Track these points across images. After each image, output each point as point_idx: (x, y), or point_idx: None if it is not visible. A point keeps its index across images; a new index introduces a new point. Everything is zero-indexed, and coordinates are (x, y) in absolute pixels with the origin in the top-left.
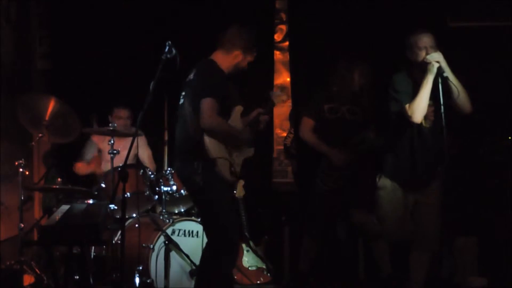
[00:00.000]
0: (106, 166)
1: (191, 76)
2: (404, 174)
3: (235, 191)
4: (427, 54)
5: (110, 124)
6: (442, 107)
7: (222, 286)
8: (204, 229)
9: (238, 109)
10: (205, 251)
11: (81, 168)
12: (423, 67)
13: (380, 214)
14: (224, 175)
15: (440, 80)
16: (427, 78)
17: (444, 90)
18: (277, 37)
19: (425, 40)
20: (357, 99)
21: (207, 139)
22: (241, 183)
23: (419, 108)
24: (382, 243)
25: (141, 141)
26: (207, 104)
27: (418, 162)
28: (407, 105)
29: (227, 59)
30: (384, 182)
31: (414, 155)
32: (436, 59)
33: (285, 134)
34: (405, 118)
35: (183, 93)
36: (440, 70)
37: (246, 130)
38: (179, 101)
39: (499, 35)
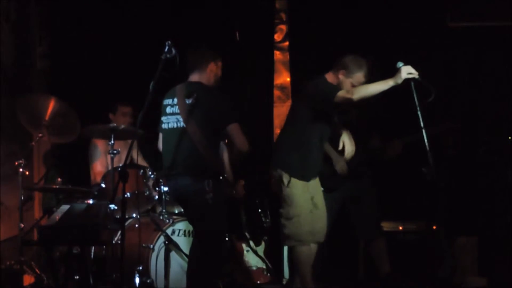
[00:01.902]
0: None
1: (190, 100)
2: (315, 171)
3: (235, 191)
4: (353, 86)
5: (112, 124)
6: (418, 109)
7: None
8: (196, 234)
9: None
10: (195, 256)
11: (100, 172)
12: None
13: (293, 213)
14: (228, 192)
15: (412, 84)
16: (388, 80)
17: (418, 93)
18: (277, 37)
19: (363, 79)
20: (364, 105)
21: (226, 160)
22: (241, 183)
23: (363, 93)
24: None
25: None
26: (238, 130)
27: (320, 157)
28: (342, 91)
29: (207, 76)
30: (295, 182)
31: (322, 153)
32: (401, 68)
33: None
34: (315, 118)
35: (177, 117)
36: (412, 78)
37: None
38: (164, 117)
39: (499, 35)
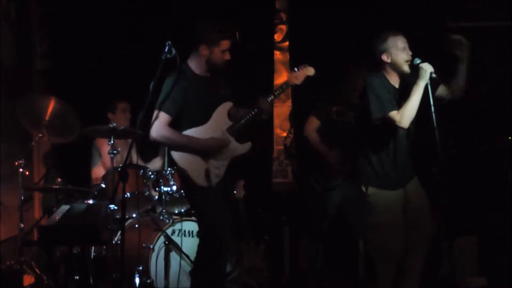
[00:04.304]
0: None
1: None
2: (390, 178)
3: (235, 191)
4: (408, 54)
5: (112, 124)
6: (432, 107)
7: (214, 285)
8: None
9: (224, 106)
10: (197, 251)
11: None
12: (400, 69)
13: (376, 223)
14: (196, 183)
15: (429, 82)
16: (418, 84)
17: (433, 91)
18: (277, 37)
19: (403, 40)
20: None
21: (172, 151)
22: (241, 183)
23: (409, 114)
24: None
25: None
26: (155, 117)
27: (400, 165)
28: (393, 112)
29: (197, 59)
30: (372, 189)
31: (396, 160)
32: (421, 65)
33: (285, 134)
34: (386, 124)
35: None
36: (431, 74)
37: (213, 139)
38: None
39: (499, 35)
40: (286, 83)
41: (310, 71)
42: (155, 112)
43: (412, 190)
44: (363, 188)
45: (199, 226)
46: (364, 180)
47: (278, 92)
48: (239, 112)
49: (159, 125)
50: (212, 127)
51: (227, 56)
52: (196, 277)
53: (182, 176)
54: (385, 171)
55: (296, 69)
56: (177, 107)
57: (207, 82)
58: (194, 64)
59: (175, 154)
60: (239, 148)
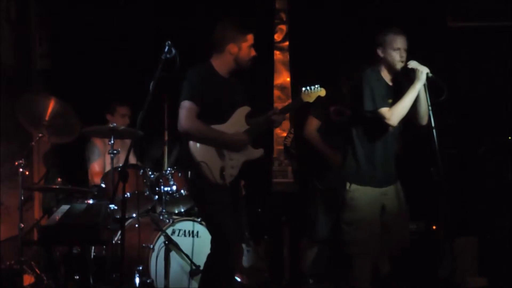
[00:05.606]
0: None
1: None
2: (374, 175)
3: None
4: (401, 56)
5: (112, 124)
6: (429, 107)
7: (223, 286)
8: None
9: (243, 109)
10: (210, 252)
11: (98, 172)
12: (394, 69)
13: (354, 218)
14: (211, 179)
15: (426, 83)
16: (414, 85)
17: (430, 90)
18: (277, 37)
19: (401, 41)
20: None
21: (191, 143)
22: (241, 183)
23: (400, 113)
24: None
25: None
26: (183, 107)
27: (385, 164)
28: (384, 109)
29: (224, 58)
30: (355, 186)
31: (382, 158)
32: (417, 67)
33: (285, 134)
34: (377, 120)
35: None
36: (427, 75)
37: (238, 134)
38: None
39: (499, 35)
40: (300, 100)
41: (322, 92)
42: (182, 103)
43: (392, 194)
44: (347, 184)
45: (207, 226)
46: (348, 175)
47: (291, 106)
48: (255, 118)
49: (190, 117)
50: (231, 128)
51: (253, 52)
52: (205, 277)
53: (197, 170)
54: (370, 167)
55: (309, 88)
56: (202, 99)
57: (228, 83)
58: (218, 64)
59: (194, 147)
60: (254, 152)
